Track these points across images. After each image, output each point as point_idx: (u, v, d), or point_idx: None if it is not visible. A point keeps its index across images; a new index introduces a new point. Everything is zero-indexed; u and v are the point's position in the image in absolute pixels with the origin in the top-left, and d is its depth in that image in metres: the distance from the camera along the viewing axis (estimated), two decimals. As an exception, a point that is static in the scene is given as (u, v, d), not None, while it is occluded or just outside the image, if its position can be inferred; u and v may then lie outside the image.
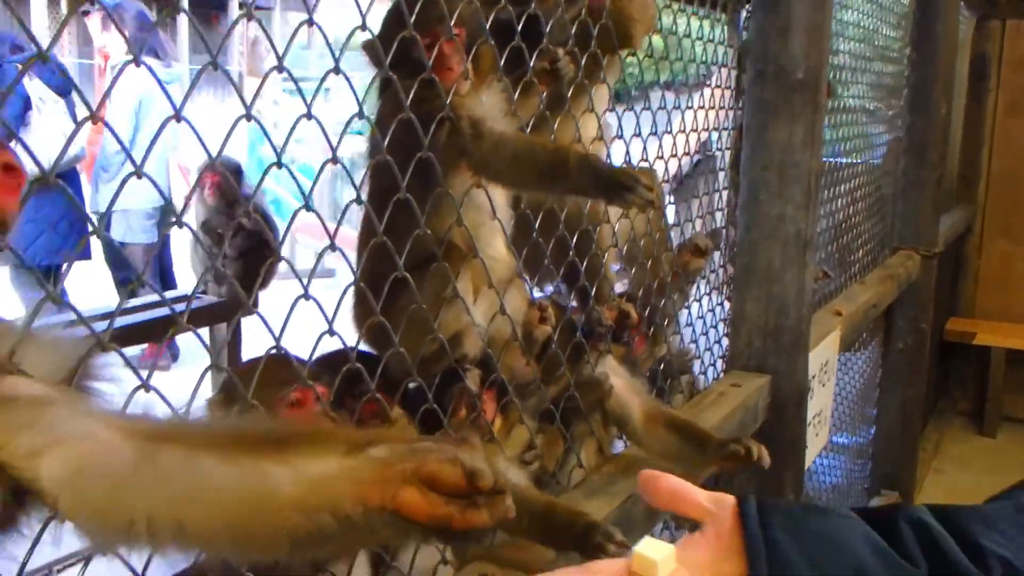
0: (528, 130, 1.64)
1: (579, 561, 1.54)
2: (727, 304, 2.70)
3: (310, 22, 1.21)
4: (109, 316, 1.00)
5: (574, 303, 2.01)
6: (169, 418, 1.00)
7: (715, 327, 2.64)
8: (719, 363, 2.66)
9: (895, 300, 4.27)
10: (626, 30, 1.91)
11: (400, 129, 1.34)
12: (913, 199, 4.51)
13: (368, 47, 1.49)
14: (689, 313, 2.57)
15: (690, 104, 2.42)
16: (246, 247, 4.05)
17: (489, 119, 1.53)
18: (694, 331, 2.57)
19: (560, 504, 1.60)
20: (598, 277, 1.96)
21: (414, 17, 1.30)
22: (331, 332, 1.27)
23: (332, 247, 1.28)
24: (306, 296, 1.20)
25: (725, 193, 2.89)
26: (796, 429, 2.58)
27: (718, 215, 2.72)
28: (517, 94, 1.58)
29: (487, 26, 1.46)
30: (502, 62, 1.53)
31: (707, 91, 2.62)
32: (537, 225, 1.69)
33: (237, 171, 4.07)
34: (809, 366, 2.59)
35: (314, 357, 1.37)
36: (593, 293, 1.95)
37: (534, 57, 1.60)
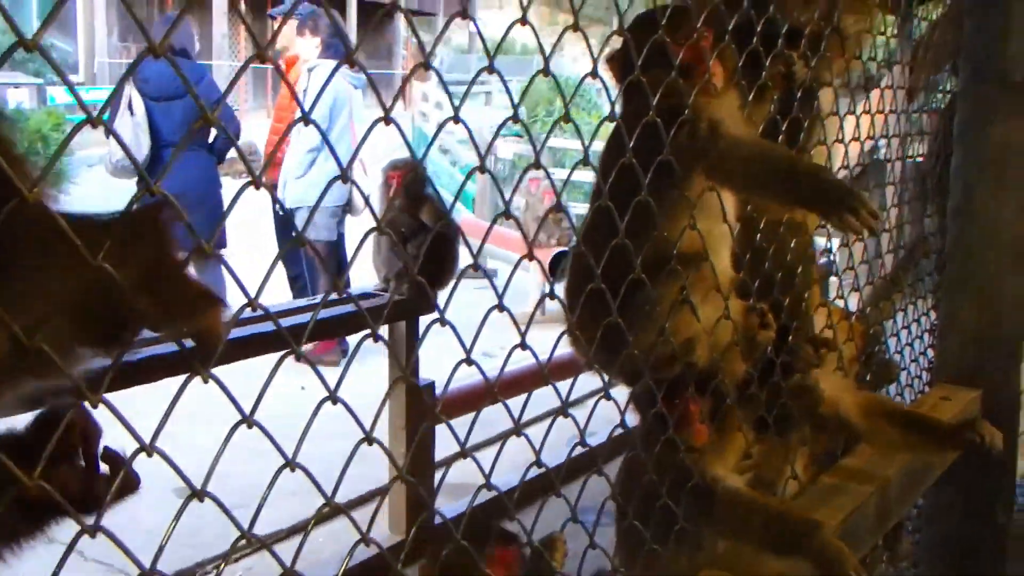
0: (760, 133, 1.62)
1: (810, 572, 1.52)
2: (933, 314, 2.61)
3: (463, 14, 1.14)
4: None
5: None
6: None
7: (920, 337, 2.55)
8: (924, 375, 2.58)
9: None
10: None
11: (643, 131, 1.34)
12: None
13: (612, 59, 1.50)
14: (895, 322, 2.49)
15: (852, 110, 2.27)
16: (429, 247, 4.12)
17: (727, 122, 1.52)
18: (899, 340, 2.49)
19: (794, 510, 1.58)
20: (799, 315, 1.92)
21: (665, 20, 1.31)
22: (523, 346, 1.23)
23: (530, 256, 1.23)
24: (500, 307, 1.18)
25: (921, 202, 2.77)
26: (1008, 445, 2.47)
27: (893, 212, 2.59)
28: (752, 98, 1.56)
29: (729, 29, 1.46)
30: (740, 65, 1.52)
31: (875, 93, 2.52)
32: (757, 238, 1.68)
33: (420, 172, 4.15)
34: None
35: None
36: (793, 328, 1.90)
37: (769, 61, 1.58)
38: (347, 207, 6.26)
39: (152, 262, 0.87)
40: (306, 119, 1.00)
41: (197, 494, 0.89)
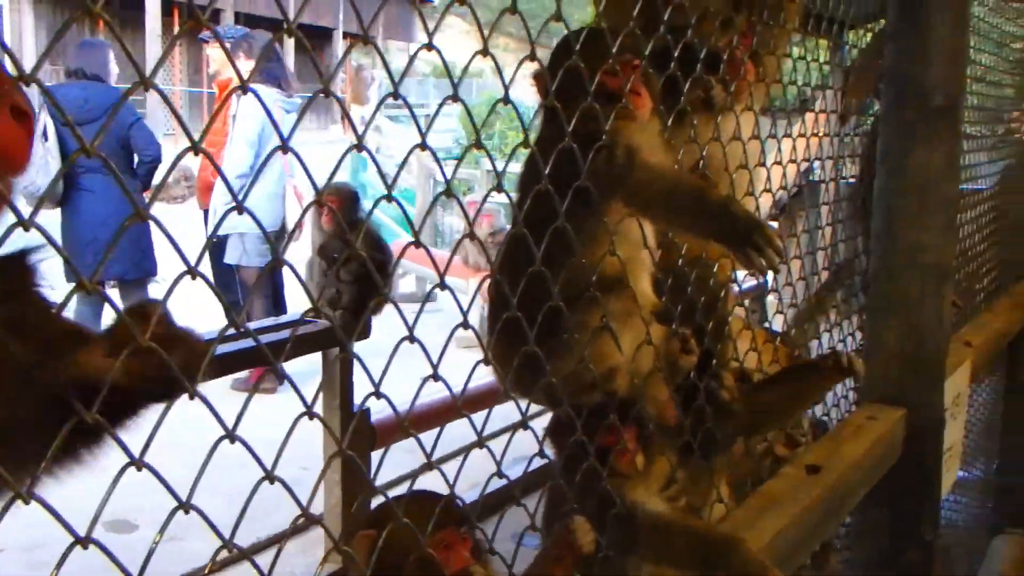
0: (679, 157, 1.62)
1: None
2: (859, 335, 2.64)
3: (430, 46, 1.16)
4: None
5: None
6: None
7: (847, 357, 2.57)
8: (851, 394, 2.59)
9: (1021, 330, 4.12)
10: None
11: (559, 156, 1.33)
12: (1041, 224, 4.37)
13: (537, 76, 1.49)
14: (820, 344, 2.51)
15: (788, 133, 2.31)
16: (360, 273, 4.09)
17: (645, 149, 1.52)
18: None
19: (716, 530, 1.57)
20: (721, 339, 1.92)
21: (581, 45, 1.30)
22: (435, 376, 1.20)
23: (441, 285, 1.22)
24: (411, 339, 1.16)
25: (848, 224, 2.81)
26: (932, 463, 2.50)
27: (827, 231, 2.61)
28: (671, 123, 1.57)
29: (647, 54, 1.45)
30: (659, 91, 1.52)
31: (809, 116, 2.56)
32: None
33: (354, 198, 4.13)
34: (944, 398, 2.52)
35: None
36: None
37: (688, 85, 1.58)
38: (283, 232, 6.20)
39: (16, 306, 0.85)
40: (285, 147, 1.03)
41: (183, 506, 0.90)
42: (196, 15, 0.89)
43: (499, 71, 1.24)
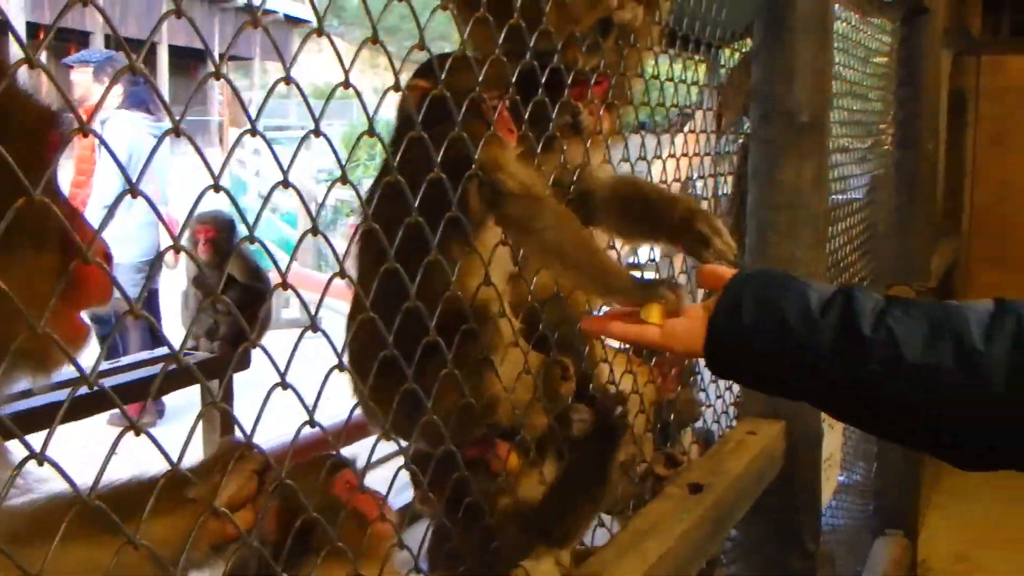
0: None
1: None
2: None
3: (287, 79, 1.14)
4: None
5: None
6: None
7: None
8: (732, 410, 2.63)
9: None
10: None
11: (429, 185, 1.30)
12: (906, 235, 4.52)
13: (401, 105, 1.46)
14: (696, 362, 2.54)
15: (667, 153, 2.33)
16: (239, 302, 3.99)
17: (520, 175, 1.50)
18: (702, 379, 2.54)
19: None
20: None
21: (446, 72, 1.27)
22: (311, 423, 1.18)
23: (313, 327, 1.18)
24: (283, 385, 1.12)
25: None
26: (812, 474, 2.54)
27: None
28: (540, 149, 1.55)
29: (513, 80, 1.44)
30: (527, 116, 1.51)
31: (683, 136, 2.59)
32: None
33: (230, 226, 4.02)
34: (821, 409, 2.56)
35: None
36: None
37: (556, 111, 1.57)
38: (159, 261, 6.02)
39: None
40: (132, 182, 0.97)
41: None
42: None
43: (362, 102, 1.20)
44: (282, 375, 1.11)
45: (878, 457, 4.74)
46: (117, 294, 0.98)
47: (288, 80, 1.11)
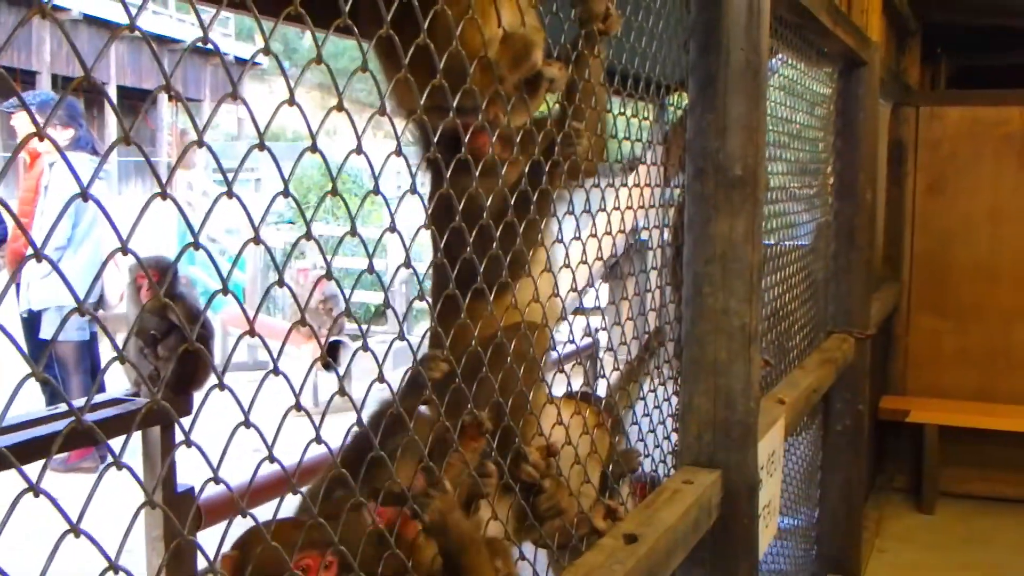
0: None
1: None
2: (675, 400, 2.69)
3: (234, 96, 1.16)
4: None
5: None
6: None
7: (663, 423, 2.63)
8: (669, 459, 2.65)
9: (832, 383, 4.31)
10: None
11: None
12: (845, 282, 4.60)
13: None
14: (633, 411, 2.56)
15: (624, 182, 2.38)
16: (181, 347, 3.96)
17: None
18: (640, 429, 2.56)
19: None
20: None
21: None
22: (271, 459, 1.21)
23: (276, 371, 1.21)
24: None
25: (667, 289, 2.88)
26: (748, 523, 2.56)
27: (653, 275, 2.67)
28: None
29: (436, 138, 1.46)
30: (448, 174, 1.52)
31: (642, 169, 2.63)
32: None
33: (174, 272, 3.99)
34: (759, 457, 2.59)
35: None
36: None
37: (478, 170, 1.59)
38: (99, 303, 5.96)
39: None
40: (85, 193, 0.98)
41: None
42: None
43: (306, 120, 1.23)
44: (246, 413, 1.15)
45: (821, 502, 4.78)
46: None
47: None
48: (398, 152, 1.36)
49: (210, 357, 3.99)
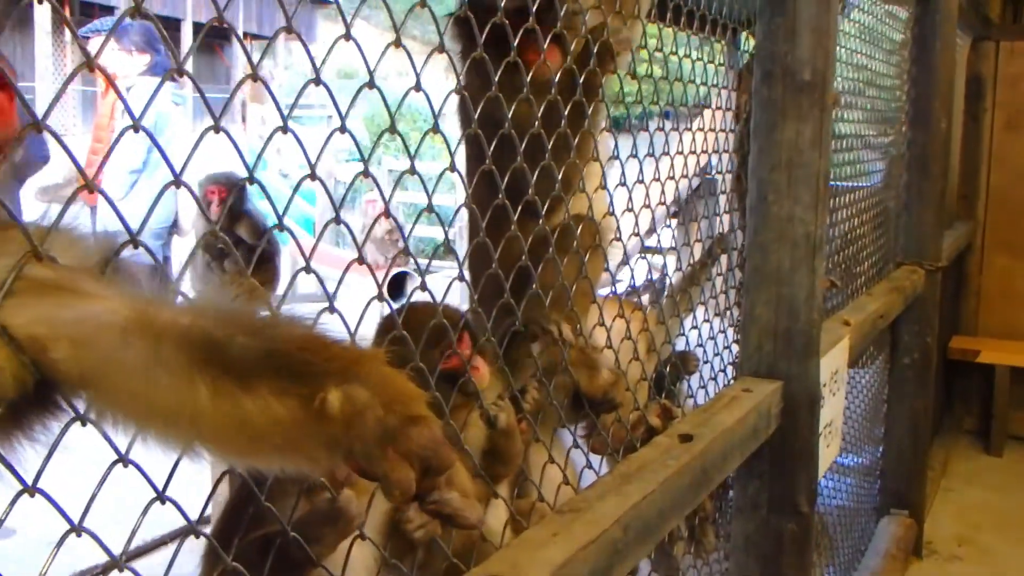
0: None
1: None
2: (735, 311, 2.67)
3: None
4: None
5: None
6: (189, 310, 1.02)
7: (724, 332, 2.61)
8: (729, 369, 2.63)
9: (900, 314, 4.24)
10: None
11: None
12: (917, 213, 4.50)
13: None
14: (695, 318, 2.54)
15: (688, 127, 2.37)
16: (247, 263, 4.02)
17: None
18: (700, 335, 2.54)
19: None
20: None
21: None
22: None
23: (331, 309, 1.24)
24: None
25: (727, 217, 2.86)
26: (808, 436, 2.53)
27: (725, 218, 2.68)
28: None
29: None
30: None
31: (707, 113, 2.61)
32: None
33: (241, 187, 4.05)
34: (820, 373, 2.56)
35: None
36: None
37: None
38: (174, 228, 6.06)
39: None
40: (136, 125, 1.02)
41: (75, 529, 0.92)
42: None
43: (363, 55, 1.23)
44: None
45: (886, 436, 4.73)
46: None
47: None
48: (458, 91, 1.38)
49: (277, 272, 4.04)
